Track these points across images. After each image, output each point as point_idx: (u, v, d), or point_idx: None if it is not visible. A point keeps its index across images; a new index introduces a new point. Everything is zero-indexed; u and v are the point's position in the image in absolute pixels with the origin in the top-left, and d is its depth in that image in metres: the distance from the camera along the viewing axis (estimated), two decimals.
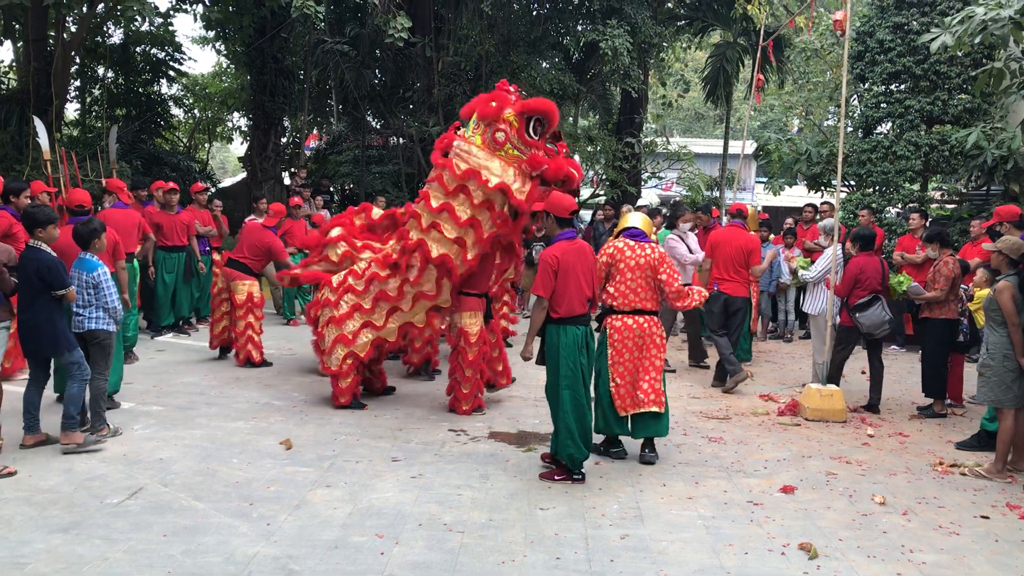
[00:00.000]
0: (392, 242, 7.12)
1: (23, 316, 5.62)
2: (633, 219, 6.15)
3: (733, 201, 14.59)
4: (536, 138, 6.44)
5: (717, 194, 21.49)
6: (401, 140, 17.96)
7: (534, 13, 16.97)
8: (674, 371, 9.28)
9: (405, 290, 6.86)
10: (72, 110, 18.77)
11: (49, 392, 6.27)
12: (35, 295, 5.55)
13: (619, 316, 5.90)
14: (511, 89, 6.72)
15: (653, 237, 6.18)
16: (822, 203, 12.39)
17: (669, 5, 19.40)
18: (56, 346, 5.64)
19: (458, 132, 6.79)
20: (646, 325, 5.87)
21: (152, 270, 9.90)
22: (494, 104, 6.41)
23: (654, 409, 5.82)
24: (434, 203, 6.63)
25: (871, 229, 8.56)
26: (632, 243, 5.93)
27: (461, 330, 7.01)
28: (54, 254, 5.68)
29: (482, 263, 7.00)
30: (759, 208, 12.83)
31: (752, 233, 8.97)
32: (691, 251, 9.37)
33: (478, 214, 6.51)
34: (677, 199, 17.94)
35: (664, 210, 12.46)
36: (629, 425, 5.93)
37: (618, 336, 5.87)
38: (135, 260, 8.87)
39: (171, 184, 10.76)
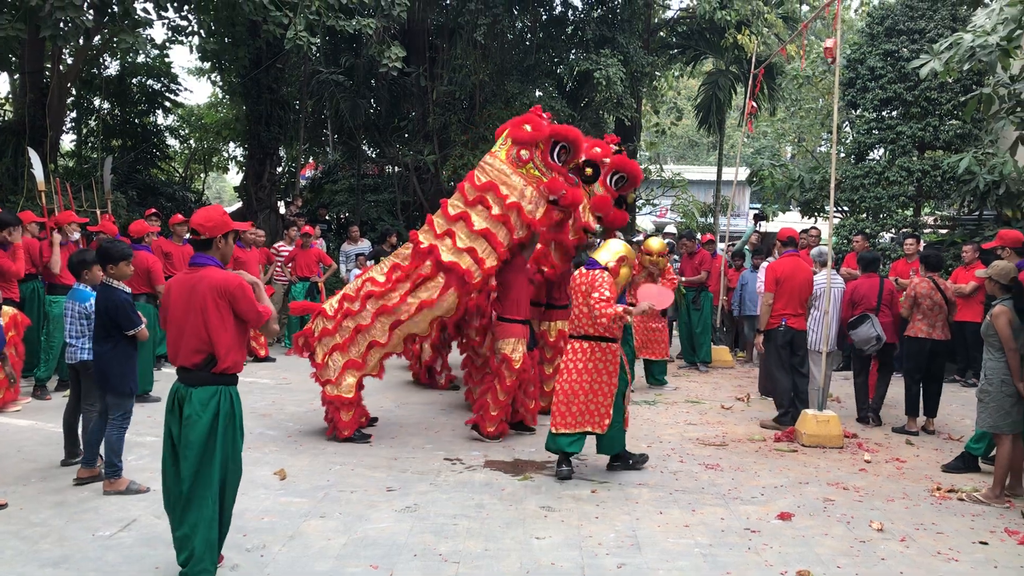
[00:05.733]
0: (403, 249, 7.11)
1: (96, 348, 5.53)
2: (612, 245, 6.16)
3: (725, 228, 14.65)
4: (559, 164, 6.70)
5: (711, 221, 21.60)
6: (396, 168, 18.03)
7: (527, 42, 17.14)
8: (675, 388, 9.91)
9: (409, 300, 6.74)
10: (68, 141, 18.81)
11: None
12: (107, 331, 5.46)
13: (572, 340, 6.11)
14: (545, 116, 6.89)
15: (627, 262, 6.13)
16: (811, 228, 12.35)
17: (661, 34, 19.62)
18: (114, 385, 5.49)
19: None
20: (589, 351, 5.99)
21: None
22: (528, 128, 6.62)
23: (588, 429, 6.04)
24: (451, 211, 6.78)
25: (873, 252, 8.88)
26: (584, 270, 6.04)
27: (504, 356, 6.99)
28: (128, 292, 5.61)
29: (521, 287, 7.08)
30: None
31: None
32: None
33: (493, 227, 6.65)
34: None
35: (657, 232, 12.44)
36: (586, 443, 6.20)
37: (566, 358, 6.10)
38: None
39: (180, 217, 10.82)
